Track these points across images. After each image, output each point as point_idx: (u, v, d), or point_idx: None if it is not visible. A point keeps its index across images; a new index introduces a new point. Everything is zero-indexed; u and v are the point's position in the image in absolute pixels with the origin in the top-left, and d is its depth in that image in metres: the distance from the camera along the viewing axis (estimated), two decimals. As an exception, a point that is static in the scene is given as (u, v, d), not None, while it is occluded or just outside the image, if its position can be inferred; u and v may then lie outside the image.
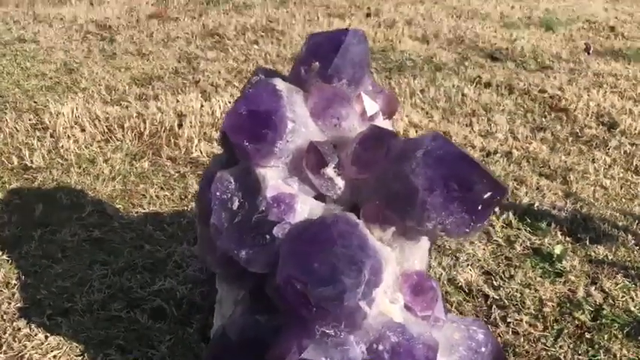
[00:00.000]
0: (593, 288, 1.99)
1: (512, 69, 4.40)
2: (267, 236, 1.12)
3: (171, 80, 3.79)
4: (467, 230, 1.07)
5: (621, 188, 2.72)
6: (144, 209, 2.35)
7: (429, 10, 6.08)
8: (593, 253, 2.19)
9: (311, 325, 1.05)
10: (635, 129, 3.39)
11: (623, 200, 2.62)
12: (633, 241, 2.27)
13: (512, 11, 6.33)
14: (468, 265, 2.08)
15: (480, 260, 2.11)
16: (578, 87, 4.03)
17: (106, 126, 3.04)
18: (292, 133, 1.15)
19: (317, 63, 1.22)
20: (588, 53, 4.89)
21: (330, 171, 1.15)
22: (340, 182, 1.17)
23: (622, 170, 2.89)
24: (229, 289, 1.35)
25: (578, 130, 3.35)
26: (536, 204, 2.50)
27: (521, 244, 2.21)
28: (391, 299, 1.18)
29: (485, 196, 1.04)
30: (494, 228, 2.31)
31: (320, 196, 1.20)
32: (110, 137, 2.97)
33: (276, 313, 1.17)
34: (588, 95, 3.87)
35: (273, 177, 1.16)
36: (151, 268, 2.00)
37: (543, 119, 3.49)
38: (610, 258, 2.16)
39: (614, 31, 5.71)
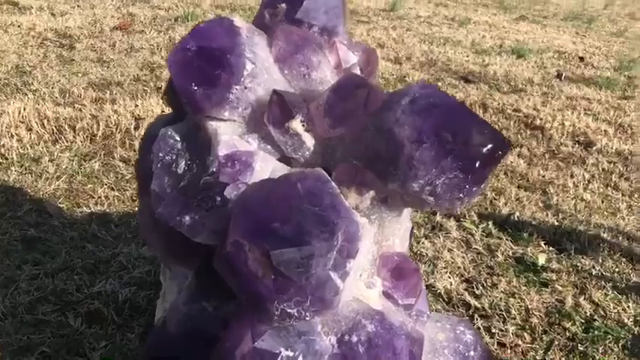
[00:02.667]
0: (582, 298, 1.82)
1: (486, 90, 4.33)
2: (218, 198, 0.92)
3: (132, 86, 3.58)
4: (460, 195, 0.88)
5: (602, 202, 2.60)
6: (90, 209, 2.11)
7: (401, 36, 6.03)
8: (579, 264, 2.02)
9: (269, 303, 0.84)
10: (612, 148, 3.32)
11: (605, 214, 2.49)
12: (619, 253, 2.12)
13: (484, 40, 6.34)
14: (446, 272, 1.89)
15: (459, 268, 1.93)
16: (552, 108, 3.98)
17: (56, 126, 2.80)
18: (252, 77, 0.96)
19: (284, 5, 1.04)
20: (560, 79, 4.88)
21: (296, 125, 0.95)
22: (309, 140, 0.98)
23: (602, 186, 2.78)
24: (173, 276, 1.13)
25: (554, 148, 3.26)
26: (517, 214, 2.35)
27: (502, 253, 2.04)
28: (367, 284, 0.98)
29: (485, 150, 0.85)
30: (473, 236, 2.14)
31: (285, 160, 1.01)
32: (59, 138, 2.73)
33: (227, 299, 0.96)
34: (563, 116, 3.81)
35: (228, 132, 0.96)
36: (91, 269, 1.76)
37: (519, 136, 3.39)
38: (597, 269, 2.00)
39: (583, 61, 5.75)
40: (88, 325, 1.51)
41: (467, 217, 2.28)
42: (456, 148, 0.85)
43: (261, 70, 0.97)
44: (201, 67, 0.93)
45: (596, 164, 3.06)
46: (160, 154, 0.99)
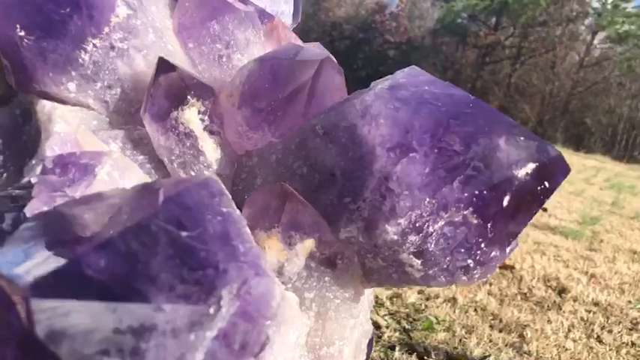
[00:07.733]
0: None
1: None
2: (8, 217, 0.48)
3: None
4: (469, 262, 0.48)
5: (588, 354, 2.19)
6: None
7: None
8: None
9: None
10: (588, 296, 2.99)
11: (594, 368, 2.08)
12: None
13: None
14: None
15: (423, 420, 1.45)
16: (521, 250, 3.72)
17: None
18: (126, 32, 0.57)
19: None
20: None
21: (191, 118, 0.55)
22: (212, 151, 0.57)
23: (584, 336, 2.40)
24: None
25: (526, 290, 2.92)
26: (491, 358, 1.91)
27: (478, 405, 1.58)
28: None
29: (523, 174, 0.47)
30: (440, 380, 1.69)
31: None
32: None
33: None
34: (532, 259, 3.54)
35: (71, 121, 0.56)
36: None
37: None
38: None
39: (546, 211, 5.67)
40: None
41: (432, 355, 1.83)
42: (469, 166, 0.46)
43: (146, 29, 0.58)
44: (38, 2, 0.55)
45: (573, 312, 2.71)
46: (-42, 154, 0.57)
